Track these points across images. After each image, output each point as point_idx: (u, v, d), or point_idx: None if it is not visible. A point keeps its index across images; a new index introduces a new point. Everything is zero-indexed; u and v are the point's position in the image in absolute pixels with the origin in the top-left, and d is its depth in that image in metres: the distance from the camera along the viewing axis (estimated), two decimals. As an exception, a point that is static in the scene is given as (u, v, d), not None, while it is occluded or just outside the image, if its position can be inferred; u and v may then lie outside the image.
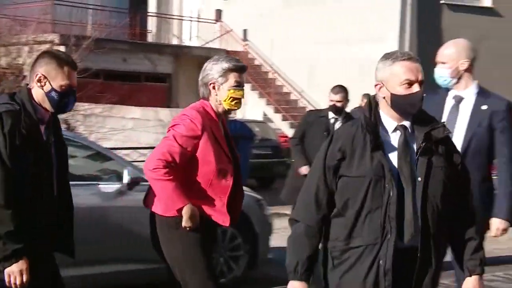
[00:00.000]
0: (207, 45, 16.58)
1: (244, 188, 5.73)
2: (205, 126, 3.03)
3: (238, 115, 15.70)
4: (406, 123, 2.37)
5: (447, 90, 3.56)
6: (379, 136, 2.31)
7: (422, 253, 2.28)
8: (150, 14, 19.11)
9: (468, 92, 3.48)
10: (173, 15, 19.08)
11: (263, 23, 15.43)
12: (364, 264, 2.26)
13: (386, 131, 2.36)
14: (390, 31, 13.37)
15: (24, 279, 2.56)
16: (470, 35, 14.08)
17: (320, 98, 14.59)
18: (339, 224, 2.34)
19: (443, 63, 3.49)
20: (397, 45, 13.20)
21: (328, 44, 14.04)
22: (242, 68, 3.21)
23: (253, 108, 14.75)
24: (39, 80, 2.68)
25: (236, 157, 3.23)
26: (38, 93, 2.70)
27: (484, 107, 3.40)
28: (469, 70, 3.49)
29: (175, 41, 19.05)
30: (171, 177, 2.95)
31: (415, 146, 2.34)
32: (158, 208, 3.09)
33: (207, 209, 3.06)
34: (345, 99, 5.77)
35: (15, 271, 2.55)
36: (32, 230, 2.63)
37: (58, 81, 2.68)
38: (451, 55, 3.49)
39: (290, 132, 12.02)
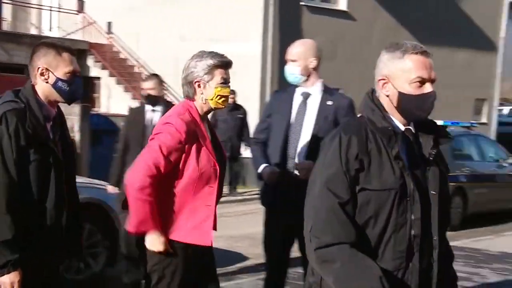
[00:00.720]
0: (69, 36, 15.87)
1: (103, 182, 5.57)
2: (190, 134, 2.83)
3: (103, 109, 15.26)
4: (411, 127, 2.06)
5: (295, 87, 3.73)
6: (399, 142, 1.96)
7: (439, 272, 2.02)
8: (4, 1, 17.91)
9: (315, 89, 3.68)
10: (31, 4, 18.05)
11: (129, 17, 15.09)
12: None
13: None
14: (253, 31, 13.66)
15: None
16: (327, 36, 14.87)
17: (185, 94, 14.63)
18: (364, 239, 1.96)
19: (293, 61, 3.64)
20: (260, 44, 13.52)
21: (193, 41, 14.04)
22: (228, 63, 2.98)
23: (119, 102, 14.39)
24: (41, 74, 2.50)
25: (223, 156, 3.05)
26: (43, 88, 2.52)
27: (330, 102, 3.62)
28: (316, 68, 3.69)
29: (33, 31, 18.05)
30: (152, 198, 2.78)
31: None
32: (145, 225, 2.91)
33: (188, 227, 2.87)
34: (158, 86, 5.40)
35: (6, 282, 2.40)
36: (40, 234, 2.47)
37: (61, 69, 2.52)
38: (300, 54, 3.63)
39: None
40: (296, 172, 3.54)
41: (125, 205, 2.92)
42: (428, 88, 2.02)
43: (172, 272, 2.87)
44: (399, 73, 2.00)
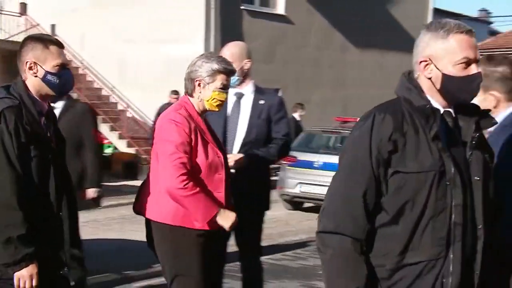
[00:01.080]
0: (12, 39, 15.35)
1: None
2: (191, 127, 2.86)
3: (47, 110, 14.83)
4: (451, 110, 1.87)
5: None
6: (438, 121, 1.78)
7: (482, 265, 1.82)
8: None
9: (247, 89, 3.76)
10: (-28, 6, 17.33)
11: (73, 18, 14.71)
12: (424, 284, 1.73)
13: None
14: (196, 33, 13.59)
15: (34, 284, 2.39)
16: (267, 39, 14.96)
17: (131, 95, 14.36)
18: (389, 235, 1.76)
19: None
20: (203, 46, 13.46)
21: (137, 43, 13.87)
22: (231, 71, 3.07)
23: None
24: (30, 68, 2.42)
25: (224, 149, 3.11)
26: (34, 82, 2.43)
27: (262, 101, 3.72)
28: (249, 69, 3.78)
29: (-25, 33, 17.35)
30: (198, 187, 2.81)
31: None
32: (163, 216, 2.91)
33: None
34: None
35: (25, 276, 2.37)
36: (45, 227, 2.42)
37: (49, 62, 2.44)
38: (236, 56, 3.67)
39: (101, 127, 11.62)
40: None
41: (138, 208, 3.05)
42: (474, 69, 1.81)
43: (191, 260, 2.91)
44: (442, 53, 1.80)
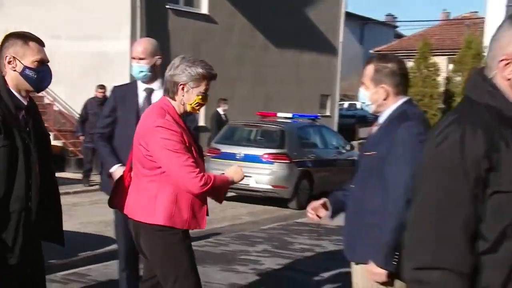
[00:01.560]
0: None
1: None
2: (179, 128, 2.76)
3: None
4: None
5: (136, 82, 3.69)
6: None
7: None
8: None
9: (156, 84, 3.66)
10: None
11: (-4, 13, 13.98)
12: None
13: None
14: (122, 30, 13.30)
15: None
16: (192, 37, 14.85)
17: (57, 89, 13.85)
18: (490, 265, 1.46)
19: (142, 59, 3.59)
20: (129, 42, 13.18)
21: (64, 39, 13.39)
22: (215, 76, 2.93)
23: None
24: (9, 62, 2.35)
25: (202, 150, 2.98)
26: (12, 76, 2.36)
27: None
28: (159, 65, 3.66)
29: None
30: (214, 177, 2.79)
31: None
32: (154, 218, 2.77)
33: (188, 215, 2.82)
34: None
35: None
36: (10, 220, 2.31)
37: (28, 57, 2.38)
38: (148, 52, 3.59)
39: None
40: None
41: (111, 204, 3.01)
42: None
43: (190, 261, 2.85)
44: None
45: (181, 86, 2.83)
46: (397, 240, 2.50)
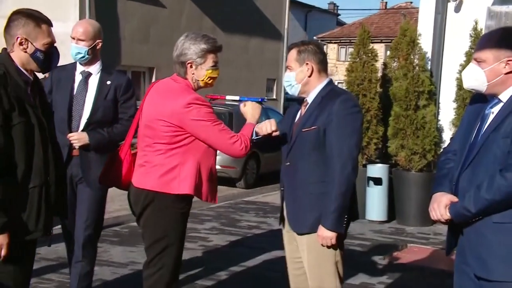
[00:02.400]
0: None
1: None
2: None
3: None
4: None
5: (74, 65, 3.53)
6: None
7: None
8: None
9: (95, 68, 3.51)
10: None
11: None
12: None
13: None
14: (71, 13, 12.85)
15: (3, 254, 2.22)
16: (141, 21, 14.51)
17: (3, 71, 13.31)
18: None
19: (81, 40, 3.42)
20: (77, 25, 12.78)
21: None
22: (220, 48, 2.86)
23: None
24: (20, 43, 2.25)
25: None
26: (21, 56, 2.27)
27: (108, 82, 3.49)
28: (99, 49, 3.52)
29: None
30: (245, 136, 2.79)
31: None
32: (179, 188, 2.73)
33: (209, 185, 2.83)
34: None
35: None
36: (31, 196, 2.28)
37: (40, 40, 2.31)
38: (90, 34, 3.44)
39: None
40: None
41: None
42: None
43: (183, 228, 2.86)
44: None
45: (189, 64, 2.79)
46: (346, 204, 2.62)
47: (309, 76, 2.78)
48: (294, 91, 2.84)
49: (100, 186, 3.30)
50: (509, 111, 2.23)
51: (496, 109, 2.30)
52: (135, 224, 6.06)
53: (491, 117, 2.30)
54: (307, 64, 2.77)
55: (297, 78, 2.80)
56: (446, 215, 2.30)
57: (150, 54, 14.38)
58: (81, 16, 12.78)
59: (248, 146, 2.78)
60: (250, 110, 2.91)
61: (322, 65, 2.82)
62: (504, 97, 2.29)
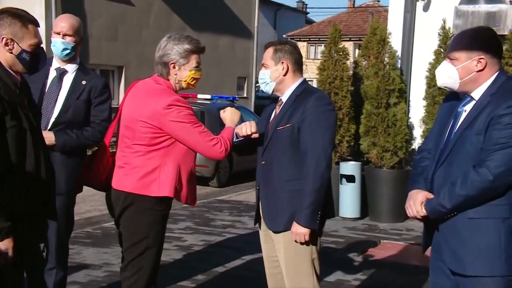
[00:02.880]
0: None
1: None
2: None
3: None
4: None
5: (50, 60, 3.37)
6: None
7: None
8: None
9: (71, 66, 3.39)
10: None
11: None
12: None
13: None
14: (36, 9, 12.57)
15: (9, 258, 2.20)
16: (109, 19, 14.32)
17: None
18: None
19: (67, 35, 3.30)
20: (44, 24, 12.52)
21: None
22: (203, 49, 2.84)
23: None
24: (6, 44, 2.16)
25: None
26: (7, 57, 2.18)
27: (84, 82, 3.38)
28: (80, 46, 3.42)
29: None
30: (226, 138, 2.79)
31: None
32: (159, 190, 2.70)
33: (187, 187, 2.81)
34: None
35: (1, 249, 2.17)
36: (25, 199, 2.19)
37: (26, 41, 2.22)
38: (75, 29, 3.32)
39: None
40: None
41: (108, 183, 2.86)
42: None
43: (162, 231, 2.83)
44: None
45: (172, 65, 2.77)
46: (319, 200, 2.65)
47: (284, 75, 2.81)
48: (268, 88, 2.86)
49: (66, 189, 3.22)
50: (481, 108, 2.29)
51: (468, 107, 2.37)
52: (107, 224, 6.01)
53: (464, 115, 2.37)
54: (282, 63, 2.80)
55: (272, 76, 2.82)
56: (422, 211, 2.36)
57: (118, 53, 14.19)
58: (47, 13, 12.53)
59: (228, 148, 2.78)
60: (229, 115, 2.92)
61: (298, 65, 2.85)
62: (476, 95, 2.36)
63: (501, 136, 2.19)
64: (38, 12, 12.54)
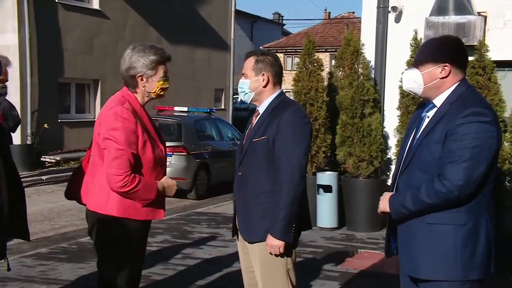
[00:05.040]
0: None
1: None
2: (136, 120, 2.58)
3: None
4: None
5: None
6: None
7: None
8: None
9: None
10: None
11: None
12: None
13: None
14: (9, 23, 12.47)
15: None
16: (84, 32, 14.24)
17: None
18: None
19: None
20: (17, 37, 12.41)
21: None
22: (169, 58, 2.74)
23: None
24: None
25: (164, 141, 2.79)
26: None
27: None
28: None
29: None
30: (139, 182, 2.63)
31: None
32: (107, 208, 2.66)
33: (147, 206, 2.73)
34: None
35: None
36: None
37: None
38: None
39: None
40: None
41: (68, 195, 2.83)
42: None
43: (133, 251, 2.77)
44: None
45: (139, 78, 2.74)
46: (293, 213, 2.67)
47: (264, 87, 2.84)
48: (247, 98, 2.89)
49: None
50: (441, 116, 2.37)
51: (431, 113, 2.45)
52: (84, 239, 5.93)
53: (426, 121, 2.44)
54: (263, 74, 2.82)
55: (251, 86, 2.84)
56: (387, 209, 2.42)
57: (94, 66, 14.11)
58: (20, 27, 12.42)
59: (127, 189, 2.62)
60: (164, 184, 2.80)
61: (278, 78, 2.88)
62: (438, 101, 2.43)
63: (459, 148, 2.25)
64: (11, 25, 12.43)
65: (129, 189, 2.63)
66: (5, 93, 2.98)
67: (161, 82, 2.77)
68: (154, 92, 2.79)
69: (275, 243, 2.69)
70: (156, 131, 2.83)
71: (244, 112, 23.73)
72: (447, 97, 2.40)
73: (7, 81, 3.16)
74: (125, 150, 2.61)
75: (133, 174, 2.63)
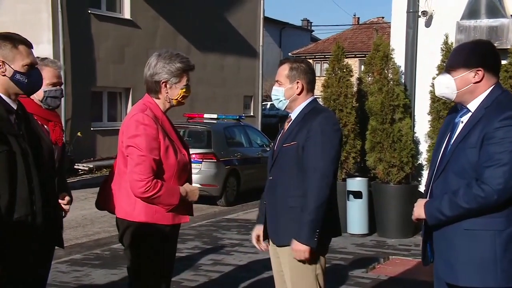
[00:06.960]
0: None
1: None
2: (158, 128, 2.63)
3: None
4: None
5: None
6: None
7: None
8: None
9: None
10: None
11: None
12: None
13: None
14: (44, 35, 12.80)
15: None
16: (115, 42, 14.52)
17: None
18: None
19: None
20: (51, 47, 12.73)
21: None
22: (193, 67, 2.86)
23: None
24: None
25: (187, 145, 2.85)
26: (2, 81, 2.19)
27: None
28: None
29: None
30: (161, 187, 2.67)
31: None
32: (134, 214, 2.71)
33: (172, 210, 2.76)
34: None
35: None
36: (12, 225, 2.13)
37: (18, 62, 2.21)
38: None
39: None
40: None
41: (108, 207, 2.85)
42: None
43: (161, 256, 2.80)
44: None
45: (163, 84, 2.78)
46: (319, 218, 2.66)
47: (298, 94, 2.85)
48: (281, 105, 2.91)
49: None
50: (477, 121, 2.34)
51: (465, 118, 2.42)
52: (116, 246, 6.02)
53: (461, 126, 2.42)
54: (297, 82, 2.83)
55: (286, 94, 2.86)
56: (423, 215, 2.39)
57: (126, 75, 14.36)
58: (55, 38, 12.75)
59: (149, 194, 2.66)
60: (186, 189, 2.83)
61: (311, 85, 2.89)
62: (472, 106, 2.40)
63: (498, 151, 2.22)
64: (46, 37, 12.76)
65: (151, 194, 2.66)
66: (62, 96, 3.03)
67: (184, 90, 2.82)
68: (176, 99, 2.83)
69: (300, 248, 2.69)
70: (178, 137, 2.85)
71: (273, 118, 23.80)
72: (482, 101, 2.37)
73: (62, 83, 3.27)
74: (146, 156, 2.64)
75: (155, 180, 2.66)
